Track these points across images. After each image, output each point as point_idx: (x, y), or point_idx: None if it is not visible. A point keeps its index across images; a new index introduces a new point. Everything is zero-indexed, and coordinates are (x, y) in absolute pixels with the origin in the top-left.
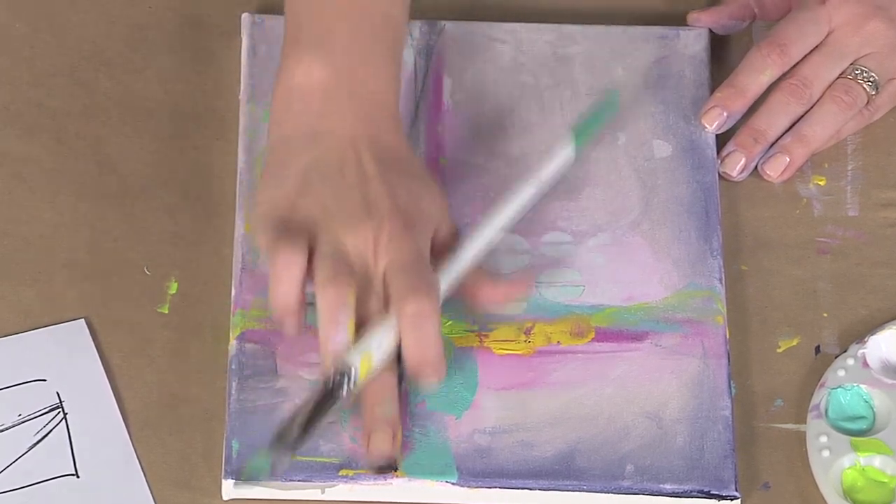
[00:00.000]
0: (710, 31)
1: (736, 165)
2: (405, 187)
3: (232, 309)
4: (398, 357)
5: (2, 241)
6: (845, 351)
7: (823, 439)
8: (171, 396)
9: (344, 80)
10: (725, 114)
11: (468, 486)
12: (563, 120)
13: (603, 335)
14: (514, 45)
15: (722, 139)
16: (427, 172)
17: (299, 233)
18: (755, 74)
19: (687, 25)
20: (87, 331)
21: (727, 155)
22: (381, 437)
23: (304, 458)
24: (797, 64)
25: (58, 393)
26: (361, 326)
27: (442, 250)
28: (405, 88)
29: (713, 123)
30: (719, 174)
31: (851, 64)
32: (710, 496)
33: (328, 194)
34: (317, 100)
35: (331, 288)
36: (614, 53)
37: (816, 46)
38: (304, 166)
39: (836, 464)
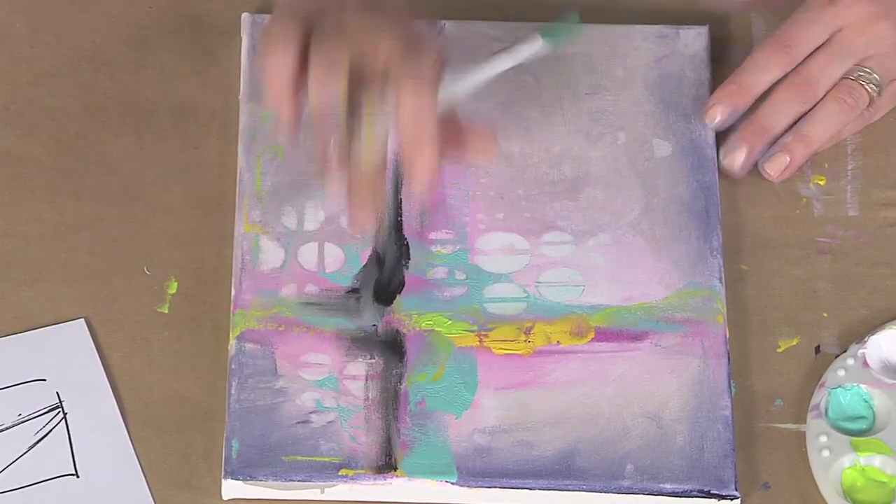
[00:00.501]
0: (710, 30)
1: (738, 160)
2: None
3: (232, 309)
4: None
5: (2, 241)
6: (845, 351)
7: (823, 439)
8: (170, 396)
9: None
10: (728, 110)
11: (468, 486)
12: (563, 119)
13: (603, 335)
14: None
15: (720, 138)
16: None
17: (298, 20)
18: (760, 73)
19: (686, 24)
20: (86, 331)
21: (729, 150)
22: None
23: (304, 458)
24: (803, 61)
25: (58, 393)
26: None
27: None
28: None
29: (715, 119)
30: (719, 171)
31: (855, 64)
32: (709, 496)
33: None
34: None
35: (325, 48)
36: (614, 53)
37: (822, 45)
38: None
39: (835, 464)
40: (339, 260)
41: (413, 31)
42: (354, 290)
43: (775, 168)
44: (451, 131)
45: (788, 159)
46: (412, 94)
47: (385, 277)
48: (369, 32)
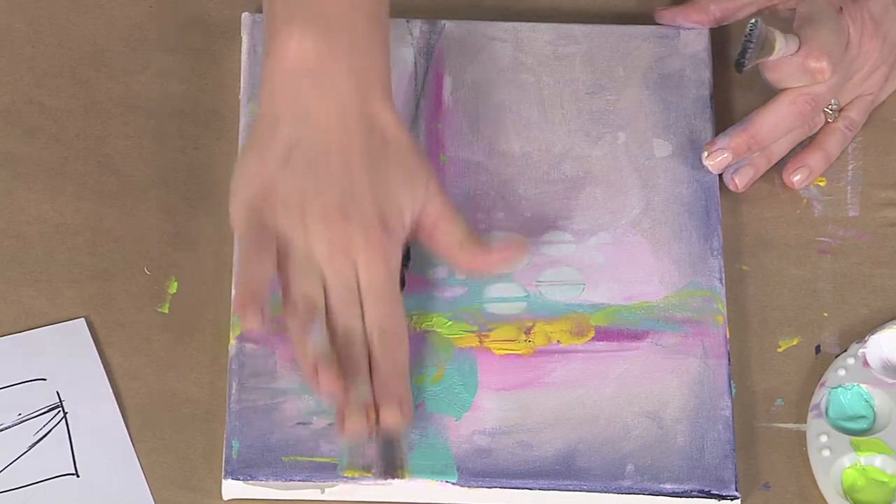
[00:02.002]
0: (710, 30)
1: (723, 165)
2: (387, 178)
3: (232, 309)
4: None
5: (2, 241)
6: (846, 350)
7: (824, 439)
8: (171, 396)
9: (340, 54)
10: (732, 158)
11: (468, 487)
12: (563, 119)
13: (603, 334)
14: (514, 44)
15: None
16: (415, 151)
17: (270, 232)
18: (779, 132)
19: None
20: (87, 330)
21: (719, 155)
22: (357, 419)
23: (305, 459)
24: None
25: (58, 392)
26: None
27: (432, 227)
28: (406, 87)
29: (719, 167)
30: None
31: None
32: (710, 496)
33: (309, 184)
34: (310, 75)
35: (301, 311)
36: (614, 53)
37: None
38: (290, 144)
39: (836, 463)
40: None
41: (379, 242)
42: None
43: (743, 181)
44: (477, 251)
45: (753, 173)
46: (384, 347)
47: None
48: (341, 257)
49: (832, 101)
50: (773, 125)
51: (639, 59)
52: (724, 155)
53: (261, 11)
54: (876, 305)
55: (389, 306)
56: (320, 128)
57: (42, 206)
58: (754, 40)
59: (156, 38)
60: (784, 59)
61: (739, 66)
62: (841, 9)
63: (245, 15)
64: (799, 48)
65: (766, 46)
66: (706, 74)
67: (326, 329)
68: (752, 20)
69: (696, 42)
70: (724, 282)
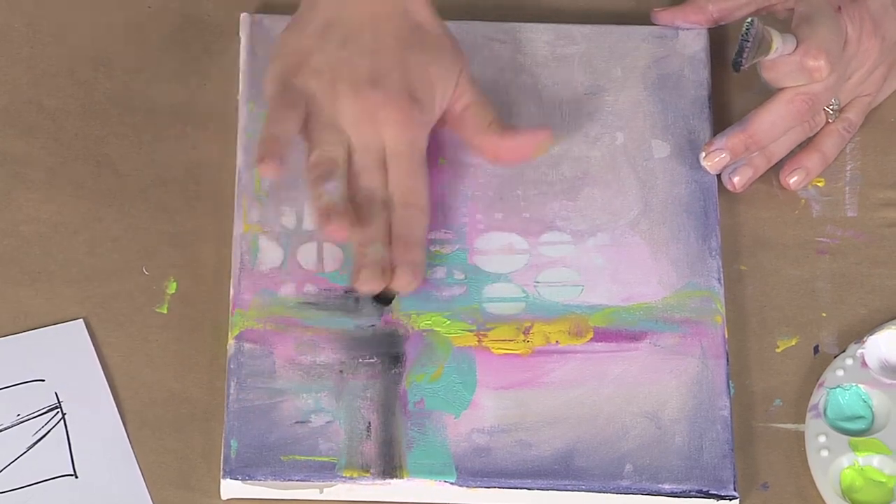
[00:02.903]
0: (709, 30)
1: (720, 166)
2: (421, 58)
3: (231, 309)
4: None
5: (1, 241)
6: (844, 351)
7: (822, 439)
8: (169, 396)
9: None
10: (730, 158)
11: (467, 486)
12: (562, 120)
13: (602, 335)
14: (514, 44)
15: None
16: (450, 41)
17: (299, 95)
18: (777, 132)
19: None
20: (85, 331)
21: (717, 155)
22: (370, 273)
23: (303, 458)
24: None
25: (56, 393)
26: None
27: (462, 110)
28: None
29: (717, 168)
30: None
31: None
32: (708, 496)
33: (342, 54)
34: None
35: (321, 165)
36: (613, 53)
37: None
38: (327, 22)
39: (834, 463)
40: (337, 260)
41: (407, 112)
42: (353, 290)
43: (742, 181)
44: (505, 137)
45: (752, 173)
46: (403, 216)
47: None
48: (366, 127)
49: (832, 101)
50: (771, 125)
51: (637, 59)
52: (722, 155)
53: (261, 12)
54: (874, 306)
55: (412, 174)
56: (355, 8)
57: (40, 205)
58: (751, 40)
59: (155, 38)
60: (782, 59)
61: (736, 65)
62: (839, 8)
63: (244, 15)
64: (797, 47)
65: (763, 46)
66: (704, 75)
67: (346, 189)
68: (749, 19)
69: (694, 43)
70: (722, 282)
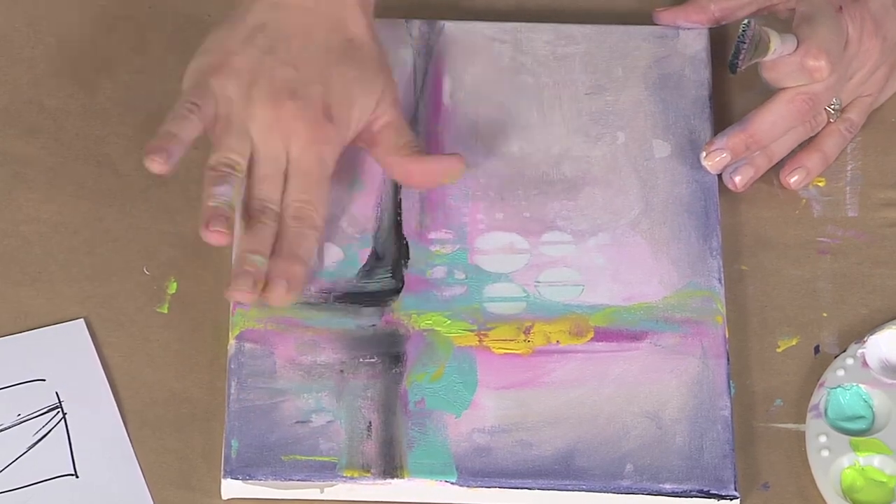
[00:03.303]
0: (710, 30)
1: (721, 165)
2: (344, 73)
3: (231, 309)
4: None
5: (2, 241)
6: (845, 351)
7: (823, 439)
8: (170, 396)
9: None
10: (730, 158)
11: (468, 486)
12: (562, 119)
13: (602, 335)
14: (514, 44)
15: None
16: (378, 59)
17: (210, 96)
18: (778, 131)
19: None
20: (86, 331)
21: (717, 155)
22: (242, 283)
23: (304, 458)
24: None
25: (57, 393)
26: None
27: (378, 132)
28: (405, 88)
29: (718, 168)
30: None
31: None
32: (709, 496)
33: (265, 60)
34: None
35: (219, 169)
36: (614, 53)
37: None
38: (258, 24)
39: (835, 463)
40: (338, 259)
41: (318, 127)
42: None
43: (743, 181)
44: (414, 160)
45: (753, 172)
46: (295, 232)
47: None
48: (276, 137)
49: (834, 101)
50: (772, 124)
51: (638, 59)
52: (723, 155)
53: None
54: (875, 306)
55: (309, 190)
56: (288, 15)
57: (41, 205)
58: (747, 41)
59: (155, 38)
60: (782, 59)
61: (733, 67)
62: (840, 8)
63: None
64: (797, 47)
65: (761, 47)
66: (705, 75)
67: (238, 195)
68: (745, 21)
69: (695, 42)
70: (723, 282)
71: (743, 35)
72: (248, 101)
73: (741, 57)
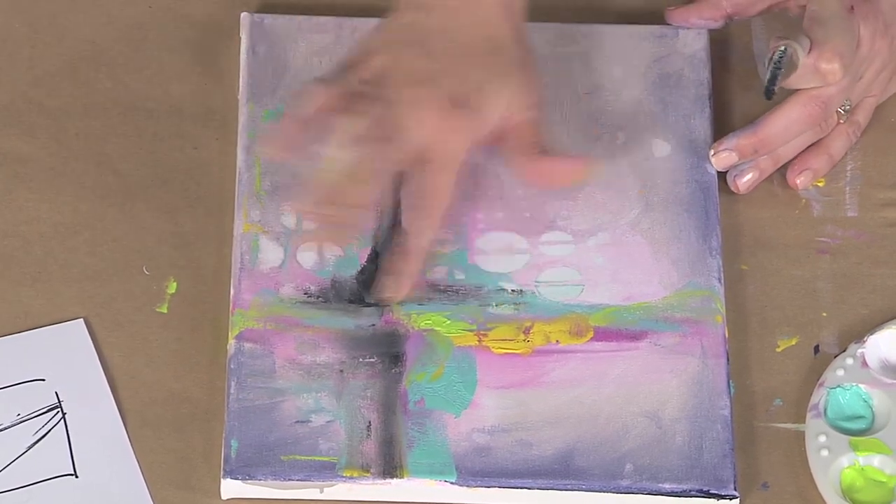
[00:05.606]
0: (710, 30)
1: (727, 163)
2: (480, 73)
3: (231, 308)
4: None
5: (2, 241)
6: (844, 350)
7: (822, 439)
8: (169, 396)
9: None
10: (737, 159)
11: (467, 486)
12: (562, 119)
13: (602, 334)
14: None
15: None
16: (520, 64)
17: (344, 85)
18: (790, 135)
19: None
20: (85, 330)
21: (725, 153)
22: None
23: (304, 458)
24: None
25: (56, 393)
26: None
27: (510, 135)
28: None
29: (722, 166)
30: (718, 171)
31: None
32: (709, 495)
33: (412, 50)
34: None
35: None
36: (614, 53)
37: None
38: (402, 24)
39: (835, 463)
40: (338, 259)
41: (459, 115)
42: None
43: (746, 184)
44: (545, 163)
45: (758, 174)
46: (410, 225)
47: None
48: (411, 118)
49: (845, 103)
50: (784, 128)
51: (637, 59)
52: (731, 155)
53: (261, 12)
54: (875, 305)
55: (436, 176)
56: (432, 16)
57: (41, 205)
58: (784, 67)
59: (155, 37)
60: None
61: (769, 93)
62: (852, 7)
63: (244, 15)
64: (810, 49)
65: (790, 67)
66: (705, 74)
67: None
68: (782, 47)
69: (694, 42)
70: (722, 282)
71: (780, 62)
72: (379, 85)
73: (777, 82)
